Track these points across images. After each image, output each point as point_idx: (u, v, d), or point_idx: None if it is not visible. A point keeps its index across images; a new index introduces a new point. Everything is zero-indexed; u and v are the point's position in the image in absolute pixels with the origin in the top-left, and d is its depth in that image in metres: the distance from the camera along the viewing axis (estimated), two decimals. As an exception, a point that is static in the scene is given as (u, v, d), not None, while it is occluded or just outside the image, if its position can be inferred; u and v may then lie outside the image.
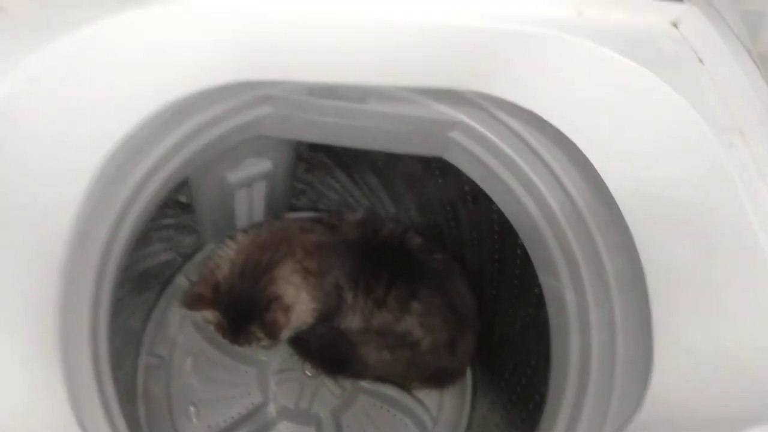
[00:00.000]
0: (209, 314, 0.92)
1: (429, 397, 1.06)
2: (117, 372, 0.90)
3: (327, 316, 0.94)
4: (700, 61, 0.56)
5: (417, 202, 1.04)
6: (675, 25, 0.58)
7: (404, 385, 1.04)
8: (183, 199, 0.93)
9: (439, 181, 0.93)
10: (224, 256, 0.94)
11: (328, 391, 1.06)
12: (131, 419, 0.95)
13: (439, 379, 1.02)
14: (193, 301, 0.94)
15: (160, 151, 0.65)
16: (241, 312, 0.90)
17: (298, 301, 0.91)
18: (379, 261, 0.96)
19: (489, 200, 0.80)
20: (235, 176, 0.87)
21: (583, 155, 0.58)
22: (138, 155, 0.64)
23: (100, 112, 0.51)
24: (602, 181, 0.57)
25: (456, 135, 0.74)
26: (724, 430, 0.40)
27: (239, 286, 0.91)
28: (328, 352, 0.99)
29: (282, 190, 1.03)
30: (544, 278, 0.77)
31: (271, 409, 1.05)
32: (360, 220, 1.01)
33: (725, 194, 0.48)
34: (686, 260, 0.52)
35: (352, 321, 0.95)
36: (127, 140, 0.53)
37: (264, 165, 0.88)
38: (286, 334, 0.92)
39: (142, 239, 0.79)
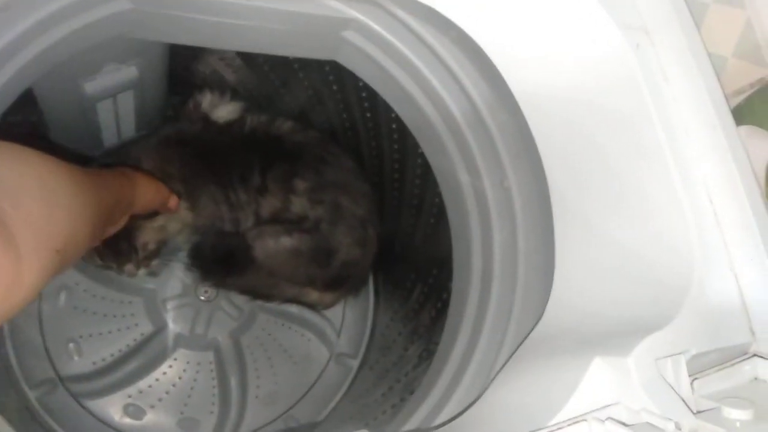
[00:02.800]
0: None
1: (331, 310, 1.04)
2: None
3: (215, 227, 0.89)
4: (607, -47, 0.52)
5: (313, 111, 0.97)
6: None
7: (311, 299, 0.99)
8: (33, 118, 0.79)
9: (334, 87, 0.86)
10: None
11: (224, 314, 1.02)
12: (-1, 364, 0.86)
13: (346, 279, 0.96)
14: None
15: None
16: None
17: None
18: (248, 151, 0.90)
19: (387, 107, 0.75)
20: (93, 86, 0.74)
21: (485, 56, 0.54)
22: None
23: None
24: (505, 83, 0.54)
25: (350, 35, 0.67)
26: (626, 338, 0.41)
27: None
28: (226, 261, 0.91)
29: (155, 102, 0.91)
30: (444, 184, 0.75)
31: (164, 338, 0.99)
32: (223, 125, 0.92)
33: (630, 97, 0.47)
34: (589, 162, 0.51)
35: (246, 220, 0.90)
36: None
37: (129, 72, 0.76)
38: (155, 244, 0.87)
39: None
